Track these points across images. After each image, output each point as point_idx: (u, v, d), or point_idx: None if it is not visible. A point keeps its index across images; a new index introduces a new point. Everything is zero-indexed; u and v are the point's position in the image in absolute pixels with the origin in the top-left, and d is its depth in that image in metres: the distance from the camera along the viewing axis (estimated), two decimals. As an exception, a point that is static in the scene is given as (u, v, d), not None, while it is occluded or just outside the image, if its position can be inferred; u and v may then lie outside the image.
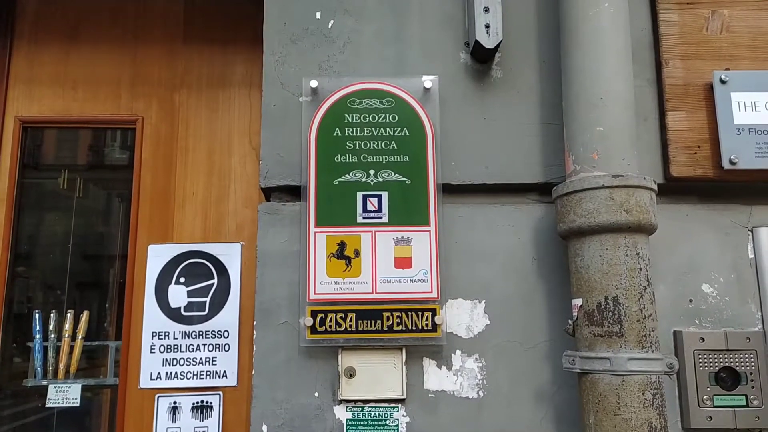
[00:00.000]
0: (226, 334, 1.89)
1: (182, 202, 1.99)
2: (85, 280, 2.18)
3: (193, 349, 1.88)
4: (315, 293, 1.51)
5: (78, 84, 2.05)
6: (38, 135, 2.10)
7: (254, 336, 1.53)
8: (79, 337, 1.96)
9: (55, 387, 1.89)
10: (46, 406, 1.90)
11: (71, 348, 1.95)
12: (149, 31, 2.09)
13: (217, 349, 1.88)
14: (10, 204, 1.96)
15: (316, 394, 1.49)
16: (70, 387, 1.90)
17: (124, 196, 2.17)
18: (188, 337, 1.89)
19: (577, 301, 1.38)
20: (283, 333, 1.53)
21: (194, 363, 1.87)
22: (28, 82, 2.05)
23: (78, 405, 1.89)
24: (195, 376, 1.86)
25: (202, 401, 1.84)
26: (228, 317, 1.90)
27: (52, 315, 1.97)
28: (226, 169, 2.03)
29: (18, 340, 1.99)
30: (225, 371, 1.86)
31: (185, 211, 1.99)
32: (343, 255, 1.53)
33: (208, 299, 1.92)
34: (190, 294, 1.92)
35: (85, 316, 1.97)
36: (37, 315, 1.97)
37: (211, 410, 1.84)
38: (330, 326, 1.49)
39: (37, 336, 1.95)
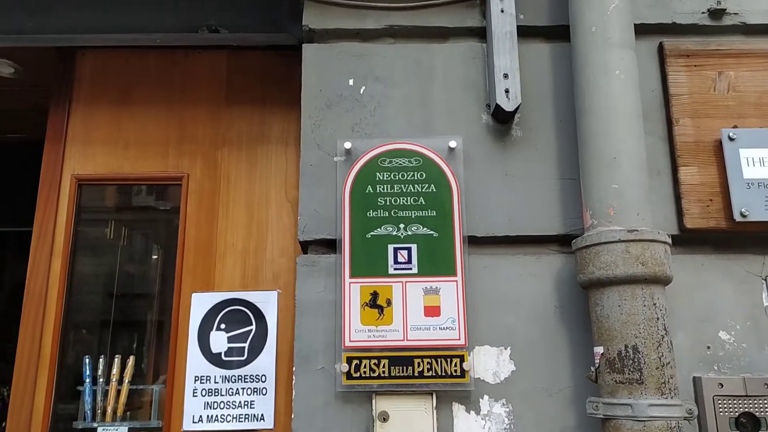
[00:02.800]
0: (263, 378, 1.99)
1: (223, 253, 2.13)
2: (129, 325, 2.32)
3: (232, 392, 1.98)
4: (350, 340, 1.61)
5: (129, 143, 2.23)
6: (90, 188, 2.27)
7: (294, 381, 1.63)
8: (126, 381, 2.08)
9: (103, 429, 2.01)
10: (95, 447, 2.01)
11: (118, 391, 2.06)
12: (195, 93, 2.28)
13: (255, 393, 1.98)
14: (65, 256, 2.12)
15: (352, 437, 1.58)
16: (117, 429, 2.01)
17: (164, 245, 2.33)
18: (228, 381, 1.99)
19: (599, 349, 1.46)
20: (320, 378, 1.63)
21: (233, 406, 1.97)
22: (84, 143, 2.24)
23: (124, 447, 2.00)
24: (234, 419, 1.96)
25: (241, 443, 1.94)
26: (265, 362, 2.01)
27: (101, 360, 2.10)
28: (263, 221, 2.17)
29: (66, 383, 2.11)
30: (262, 414, 1.96)
31: (226, 261, 2.13)
32: (376, 304, 1.64)
33: (246, 344, 2.03)
34: (230, 340, 2.03)
35: (131, 361, 2.10)
36: (87, 360, 2.10)
37: (249, 452, 1.93)
38: (364, 372, 1.59)
39: (87, 380, 2.08)
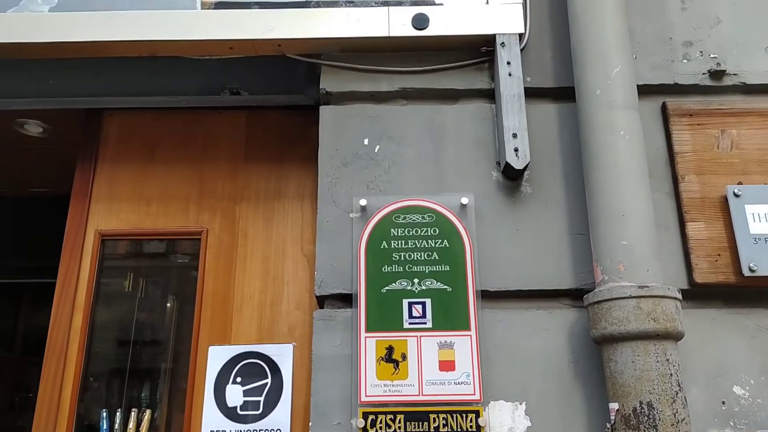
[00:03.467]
0: (278, 433, 2.00)
1: (240, 305, 2.18)
2: (146, 378, 2.35)
3: (247, 447, 1.98)
4: (366, 395, 1.63)
5: (152, 200, 2.31)
6: (112, 243, 2.35)
7: (310, 436, 1.65)
8: (141, 435, 2.09)
9: (118, 484, 2.01)
10: (110, 503, 2.00)
11: (134, 446, 2.08)
12: (215, 151, 2.37)
13: (270, 448, 1.98)
14: (87, 310, 2.17)
15: (368, 495, 1.58)
16: (132, 485, 2.01)
17: (181, 297, 2.39)
18: (243, 436, 2.00)
19: (614, 405, 1.47)
20: (336, 434, 1.64)
21: (248, 461, 1.96)
22: (109, 199, 2.32)
23: (139, 502, 1.99)
24: (249, 475, 1.95)
25: (256, 500, 1.92)
26: (281, 416, 2.01)
27: (117, 413, 2.12)
28: (279, 274, 2.22)
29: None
30: (277, 470, 1.95)
31: (243, 314, 2.17)
32: (392, 359, 1.67)
33: (262, 398, 2.04)
34: (245, 393, 2.04)
35: (147, 415, 2.12)
36: (104, 414, 2.12)
37: None
38: (380, 427, 1.60)
39: (103, 435, 2.09)
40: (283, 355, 2.09)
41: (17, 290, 6.72)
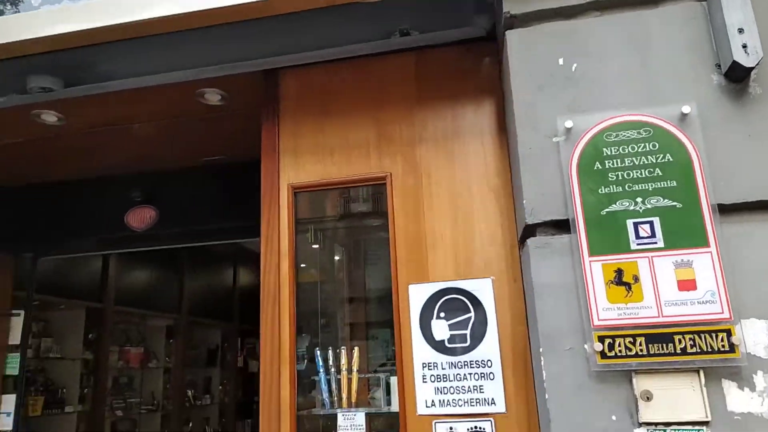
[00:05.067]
0: (489, 364, 2.03)
1: (433, 244, 2.20)
2: (345, 317, 2.48)
3: (460, 378, 2.04)
4: (599, 319, 1.59)
5: (334, 150, 2.38)
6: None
7: (542, 362, 1.64)
8: (354, 370, 2.22)
9: (343, 415, 2.16)
10: (338, 432, 2.16)
11: (348, 380, 2.21)
12: (388, 96, 2.38)
13: (483, 378, 2.02)
14: (291, 256, 2.30)
15: (614, 417, 1.55)
16: (355, 415, 2.15)
17: (367, 242, 2.47)
18: (454, 368, 2.05)
19: None
20: (569, 359, 1.62)
21: (463, 391, 2.02)
22: (294, 154, 2.42)
23: (363, 431, 2.13)
24: (465, 404, 2.01)
25: (476, 427, 1.98)
26: (489, 348, 2.04)
27: (329, 352, 2.26)
28: (468, 212, 2.20)
29: (300, 375, 2.30)
30: (493, 398, 1.99)
31: (437, 252, 2.19)
32: (622, 281, 1.60)
33: (467, 331, 2.08)
34: (451, 327, 2.09)
35: (356, 352, 2.24)
36: (317, 351, 2.27)
37: (485, 435, 1.97)
38: (620, 351, 1.55)
39: (321, 371, 2.25)
40: (482, 289, 2.11)
41: (179, 256, 7.37)
